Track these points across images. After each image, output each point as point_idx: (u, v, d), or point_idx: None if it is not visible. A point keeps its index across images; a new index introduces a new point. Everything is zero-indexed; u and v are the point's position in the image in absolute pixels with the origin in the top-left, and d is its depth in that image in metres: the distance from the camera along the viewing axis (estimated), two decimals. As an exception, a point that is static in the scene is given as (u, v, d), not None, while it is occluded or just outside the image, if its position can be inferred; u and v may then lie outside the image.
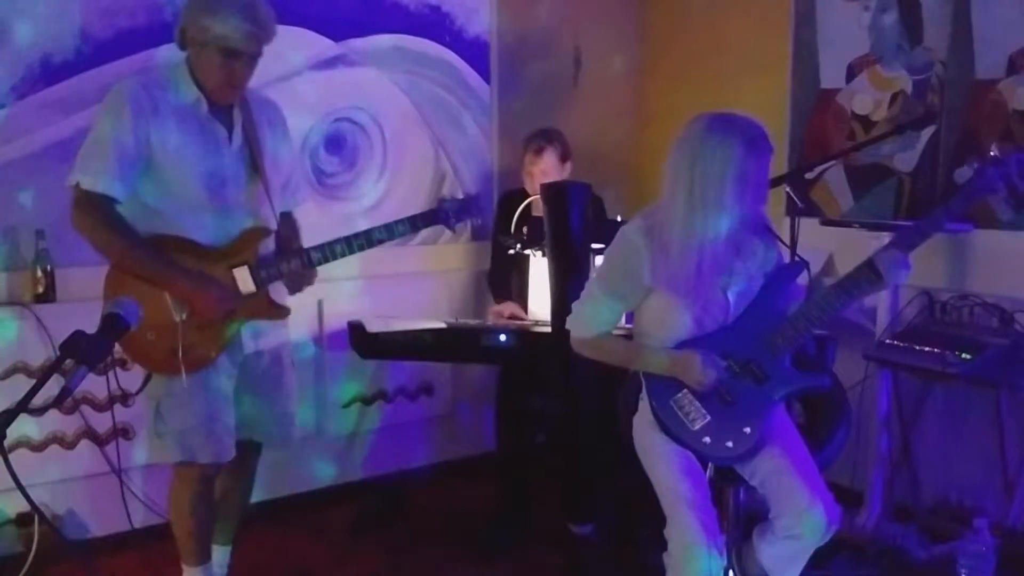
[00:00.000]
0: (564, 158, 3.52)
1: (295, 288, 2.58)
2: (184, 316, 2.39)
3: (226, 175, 2.44)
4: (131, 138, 2.32)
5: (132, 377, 2.65)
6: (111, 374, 2.77)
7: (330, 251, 2.53)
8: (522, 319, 3.46)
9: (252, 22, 2.31)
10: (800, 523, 2.19)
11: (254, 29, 2.33)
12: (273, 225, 2.55)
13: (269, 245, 2.56)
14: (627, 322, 2.66)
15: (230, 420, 2.51)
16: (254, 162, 2.49)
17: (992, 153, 2.45)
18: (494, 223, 3.72)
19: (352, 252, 2.55)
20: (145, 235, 2.39)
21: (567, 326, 2.44)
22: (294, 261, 2.51)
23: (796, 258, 2.94)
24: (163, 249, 2.39)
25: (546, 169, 3.45)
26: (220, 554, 2.78)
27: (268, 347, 2.60)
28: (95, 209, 2.33)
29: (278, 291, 2.58)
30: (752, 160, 2.17)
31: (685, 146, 2.21)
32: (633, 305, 2.39)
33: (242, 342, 2.52)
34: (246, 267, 2.46)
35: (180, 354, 2.37)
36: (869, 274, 2.26)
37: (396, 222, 2.60)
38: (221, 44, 2.32)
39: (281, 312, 2.57)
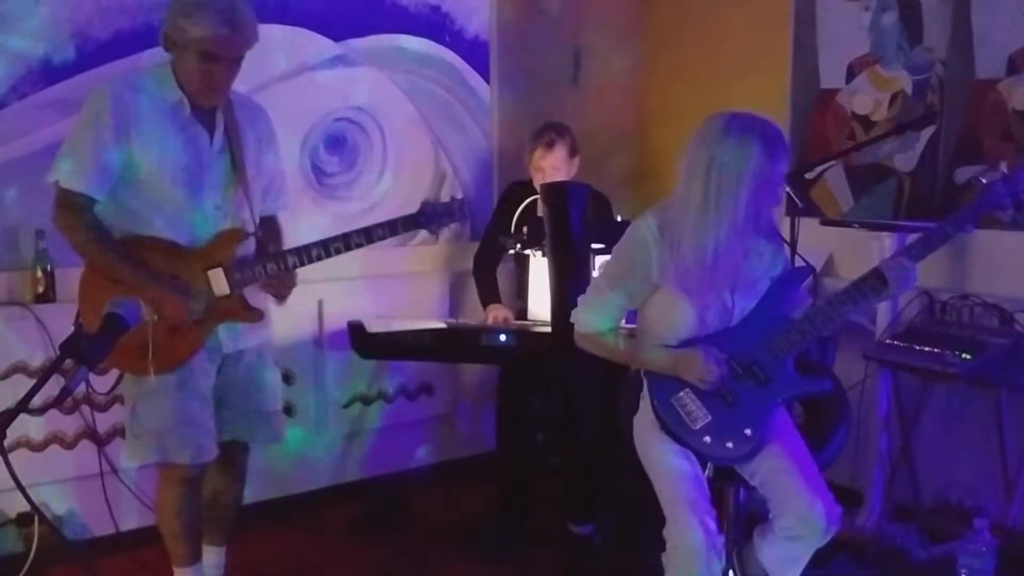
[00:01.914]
0: (573, 153, 3.48)
1: (279, 295, 2.55)
2: (155, 317, 2.38)
3: (205, 177, 2.43)
4: (111, 138, 2.32)
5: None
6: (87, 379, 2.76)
7: (306, 254, 2.50)
8: (511, 321, 3.46)
9: (230, 26, 2.29)
10: (800, 523, 2.19)
11: (231, 33, 2.30)
12: (251, 228, 2.53)
13: (249, 248, 2.55)
14: (628, 322, 2.65)
15: (208, 421, 2.51)
16: (235, 165, 2.48)
17: (1002, 170, 2.44)
18: (493, 214, 3.70)
19: (328, 255, 2.52)
20: (122, 234, 2.40)
21: (571, 320, 2.44)
22: (269, 264, 2.49)
23: (801, 261, 2.94)
24: (139, 249, 2.39)
25: (556, 164, 3.40)
26: (213, 555, 2.77)
27: (248, 347, 2.59)
28: (74, 208, 2.35)
29: (256, 295, 2.55)
30: (769, 161, 2.16)
31: (703, 144, 2.19)
32: (638, 302, 2.38)
33: (221, 343, 2.52)
34: (220, 269, 2.45)
35: (150, 355, 2.36)
36: (876, 282, 2.26)
37: (376, 226, 2.57)
38: (199, 47, 2.30)
39: (254, 315, 2.55)
